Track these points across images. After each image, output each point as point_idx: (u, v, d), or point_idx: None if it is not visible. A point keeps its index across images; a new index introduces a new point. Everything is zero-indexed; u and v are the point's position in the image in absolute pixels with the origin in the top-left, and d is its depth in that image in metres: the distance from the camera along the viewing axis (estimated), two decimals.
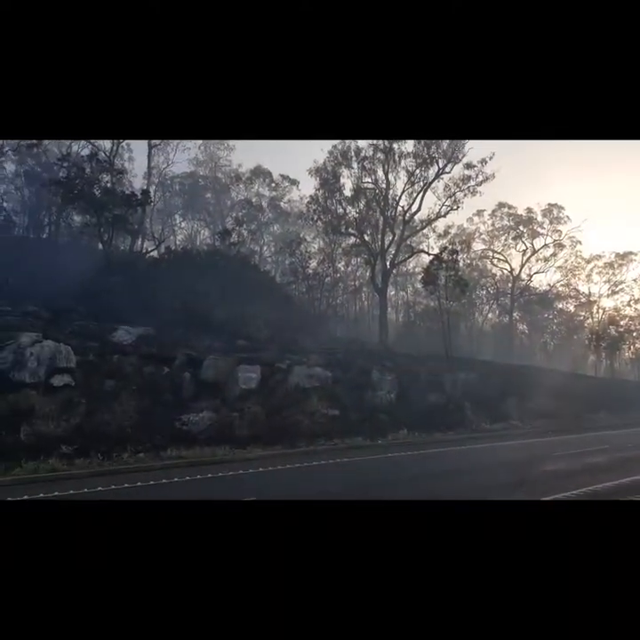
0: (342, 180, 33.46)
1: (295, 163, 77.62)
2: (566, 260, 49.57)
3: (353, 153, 32.82)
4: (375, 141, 32.18)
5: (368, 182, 33.44)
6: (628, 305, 53.33)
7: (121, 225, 24.57)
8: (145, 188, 32.67)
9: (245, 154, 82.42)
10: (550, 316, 53.62)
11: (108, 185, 26.58)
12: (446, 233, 46.15)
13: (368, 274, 38.35)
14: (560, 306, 53.22)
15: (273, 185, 46.51)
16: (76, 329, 16.40)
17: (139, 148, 36.47)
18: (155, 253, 31.33)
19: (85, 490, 8.86)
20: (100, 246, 26.38)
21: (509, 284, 48.49)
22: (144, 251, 33.05)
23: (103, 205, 23.55)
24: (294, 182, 46.61)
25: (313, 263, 37.67)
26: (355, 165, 32.84)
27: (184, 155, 43.92)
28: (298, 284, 35.64)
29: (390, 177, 33.20)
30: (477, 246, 50.21)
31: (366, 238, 34.40)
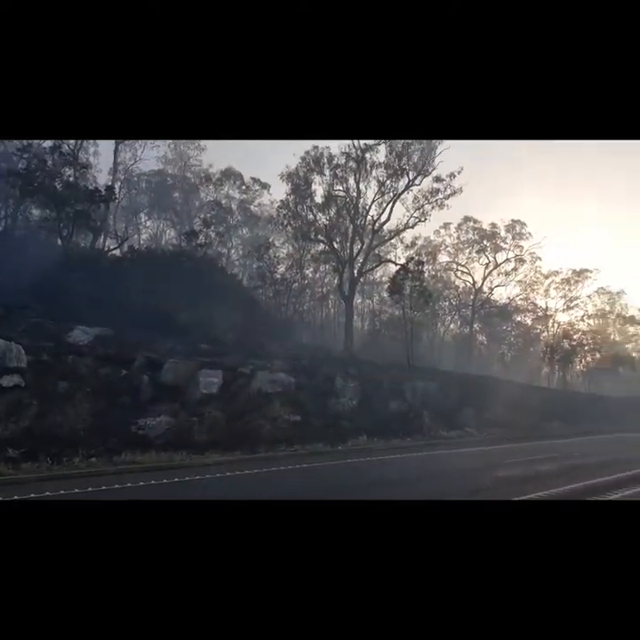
0: (314, 187, 33.71)
1: (267, 166, 77.57)
2: (526, 275, 51.40)
3: (325, 160, 33.08)
4: (347, 149, 32.54)
5: (339, 190, 33.75)
6: (582, 320, 55.78)
7: (82, 221, 23.89)
8: (110, 183, 31.89)
9: (216, 154, 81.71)
10: (509, 329, 55.31)
11: (71, 179, 25.79)
12: (413, 244, 47.10)
13: (335, 281, 38.62)
14: (518, 319, 55.01)
15: (243, 187, 46.28)
16: (29, 327, 15.75)
17: (105, 142, 35.62)
18: (117, 252, 30.58)
19: (32, 495, 8.47)
20: (60, 242, 25.52)
21: (471, 296, 49.73)
22: (106, 249, 32.20)
23: (64, 200, 22.84)
24: (265, 186, 46.50)
25: (281, 268, 37.60)
26: (327, 172, 33.09)
27: (153, 152, 43.16)
28: (265, 289, 35.45)
29: (361, 186, 33.63)
30: (443, 258, 51.46)
31: (335, 246, 34.62)
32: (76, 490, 9.04)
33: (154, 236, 45.55)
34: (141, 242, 42.25)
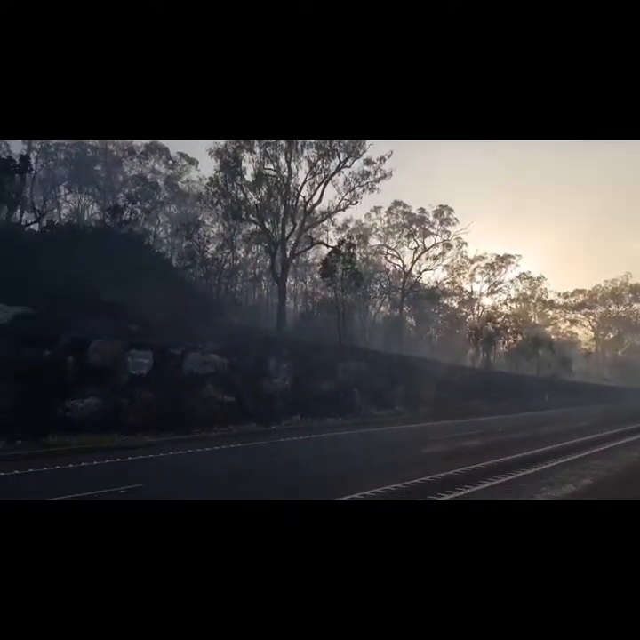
0: (244, 165, 32.94)
1: (195, 141, 74.78)
2: (453, 260, 53.94)
3: None
4: None
5: (270, 169, 33.30)
6: (505, 303, 59.60)
7: None
8: (24, 153, 29.58)
9: None
10: (436, 311, 57.89)
11: None
12: (345, 226, 47.82)
13: (268, 262, 38.39)
14: (445, 302, 57.69)
15: (170, 162, 44.63)
16: None
17: None
18: (36, 226, 28.56)
19: None
20: None
21: (401, 280, 51.41)
22: (23, 223, 29.95)
23: None
24: (193, 162, 45.11)
25: (211, 248, 36.75)
26: (257, 150, 32.42)
27: None
28: (195, 269, 34.55)
29: (292, 166, 33.43)
30: (373, 242, 52.70)
31: (267, 226, 34.34)
32: (1, 473, 8.65)
33: (75, 210, 42.83)
34: (62, 216, 39.60)
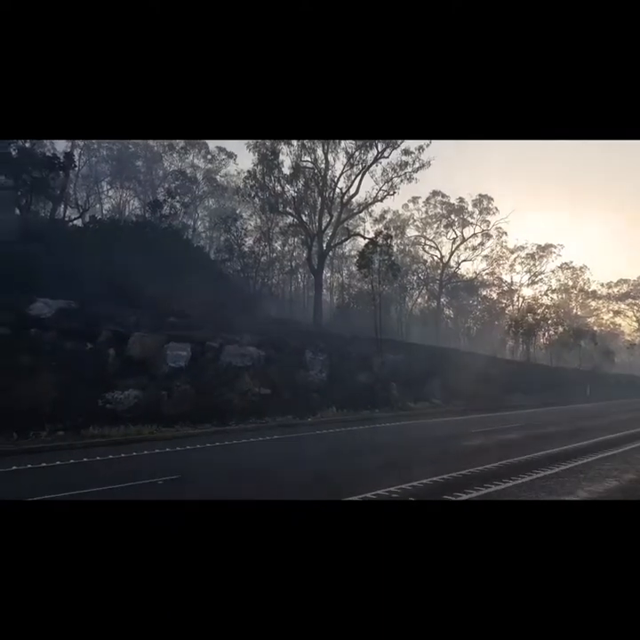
0: (281, 157, 32.84)
1: None
2: (492, 250, 52.52)
3: None
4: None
5: (307, 161, 33.17)
6: (545, 294, 57.60)
7: (41, 189, 22.86)
8: (68, 150, 30.49)
9: None
10: (475, 303, 56.56)
11: (27, 145, 24.54)
12: (382, 218, 47.16)
13: (304, 254, 38.36)
14: (484, 293, 56.28)
15: (209, 157, 45.10)
16: None
17: None
18: (79, 222, 29.50)
19: None
20: (18, 211, 24.41)
21: (439, 271, 50.45)
22: (67, 218, 30.99)
23: (21, 167, 21.74)
24: (231, 156, 45.43)
25: (249, 241, 37.07)
26: (294, 142, 32.33)
27: None
28: (233, 262, 34.93)
29: (330, 157, 33.18)
30: (411, 232, 51.85)
31: (304, 218, 34.28)
32: (44, 464, 8.94)
33: (116, 205, 44.00)
34: (104, 212, 40.77)
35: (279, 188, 33.49)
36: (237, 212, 38.20)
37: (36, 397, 11.82)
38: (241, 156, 45.81)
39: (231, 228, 34.68)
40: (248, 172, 33.74)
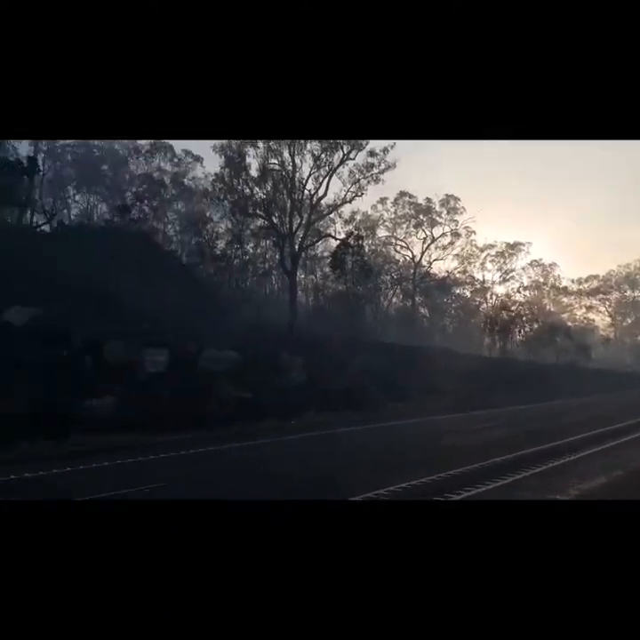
0: (248, 160, 32.79)
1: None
2: (462, 249, 53.36)
3: None
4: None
5: (274, 163, 33.10)
6: (518, 291, 58.72)
7: (5, 195, 22.13)
8: (31, 154, 29.62)
9: None
10: (449, 301, 57.30)
11: None
12: (352, 219, 47.23)
13: (277, 257, 38.24)
14: (458, 291, 57.10)
15: (175, 160, 44.44)
16: None
17: None
18: (46, 228, 28.68)
19: None
20: None
21: (411, 270, 50.99)
22: (34, 224, 30.08)
23: None
24: (198, 159, 44.82)
25: (221, 244, 36.67)
26: (260, 144, 32.19)
27: None
28: (205, 266, 34.51)
29: (296, 159, 33.17)
30: (381, 233, 52.21)
31: (274, 220, 34.14)
32: (26, 474, 8.67)
33: (84, 210, 42.93)
34: (72, 217, 39.73)
35: (248, 190, 33.33)
36: (207, 215, 37.74)
37: (11, 407, 11.44)
38: (208, 158, 45.20)
39: (202, 231, 34.27)
40: (216, 174, 33.54)
